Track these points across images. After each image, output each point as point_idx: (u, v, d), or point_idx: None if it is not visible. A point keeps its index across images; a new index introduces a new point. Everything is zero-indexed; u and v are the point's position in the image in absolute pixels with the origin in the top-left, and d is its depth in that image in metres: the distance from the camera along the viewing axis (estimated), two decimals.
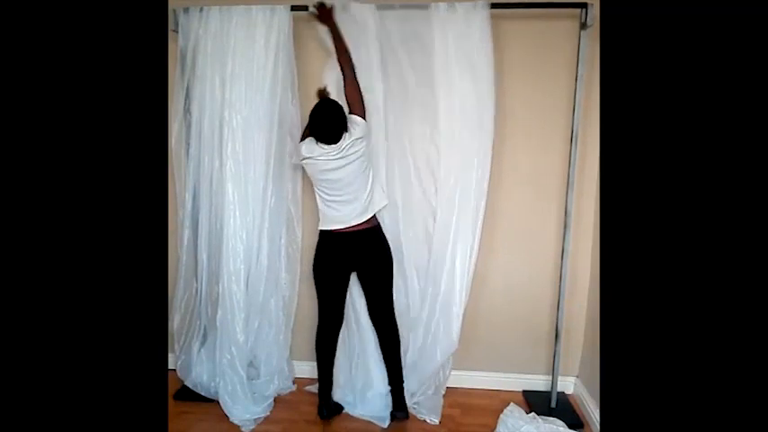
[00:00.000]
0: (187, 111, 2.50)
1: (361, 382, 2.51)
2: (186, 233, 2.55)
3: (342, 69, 2.17)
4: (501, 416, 2.30)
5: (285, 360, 2.65)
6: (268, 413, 2.43)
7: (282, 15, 2.35)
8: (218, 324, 2.46)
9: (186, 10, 2.43)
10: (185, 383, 2.57)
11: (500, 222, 2.59)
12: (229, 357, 2.43)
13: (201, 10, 2.40)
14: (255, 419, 2.37)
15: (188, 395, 2.54)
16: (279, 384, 2.59)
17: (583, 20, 2.27)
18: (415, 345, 2.48)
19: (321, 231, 2.28)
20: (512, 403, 2.39)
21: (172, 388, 2.58)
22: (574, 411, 2.50)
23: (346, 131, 2.13)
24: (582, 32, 2.28)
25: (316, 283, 2.32)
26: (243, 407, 2.39)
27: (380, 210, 2.31)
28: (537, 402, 2.53)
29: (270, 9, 2.35)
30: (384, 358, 2.38)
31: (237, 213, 2.41)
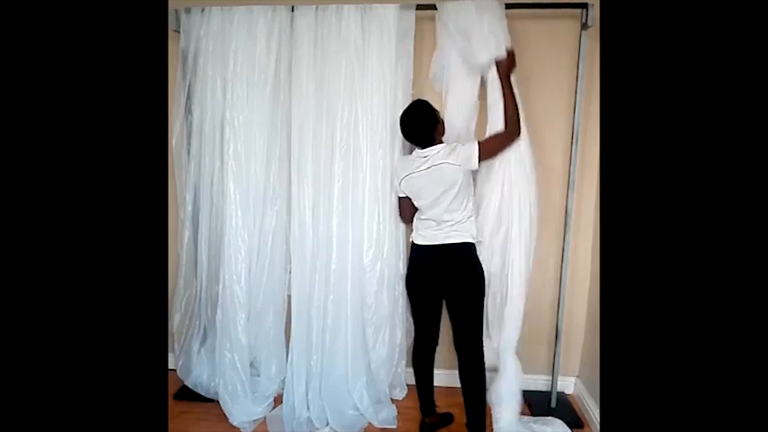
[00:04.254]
0: (188, 111, 2.50)
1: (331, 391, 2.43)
2: (186, 233, 2.55)
3: (505, 117, 2.12)
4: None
5: (286, 360, 2.65)
6: (268, 413, 2.43)
7: (284, 16, 2.36)
8: (218, 324, 2.46)
9: (188, 10, 2.43)
10: (185, 383, 2.58)
11: None
12: (229, 357, 2.43)
13: (203, 10, 2.41)
14: (255, 419, 2.37)
15: (188, 395, 2.54)
16: (279, 385, 2.58)
17: (583, 20, 2.27)
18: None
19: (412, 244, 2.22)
20: None
21: (172, 388, 2.58)
22: (574, 411, 2.50)
23: (441, 141, 2.12)
24: (583, 32, 2.28)
25: (408, 299, 2.29)
26: (243, 407, 2.39)
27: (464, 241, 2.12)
28: (537, 402, 2.53)
29: (271, 9, 2.35)
30: (463, 393, 2.14)
31: (239, 213, 2.41)
